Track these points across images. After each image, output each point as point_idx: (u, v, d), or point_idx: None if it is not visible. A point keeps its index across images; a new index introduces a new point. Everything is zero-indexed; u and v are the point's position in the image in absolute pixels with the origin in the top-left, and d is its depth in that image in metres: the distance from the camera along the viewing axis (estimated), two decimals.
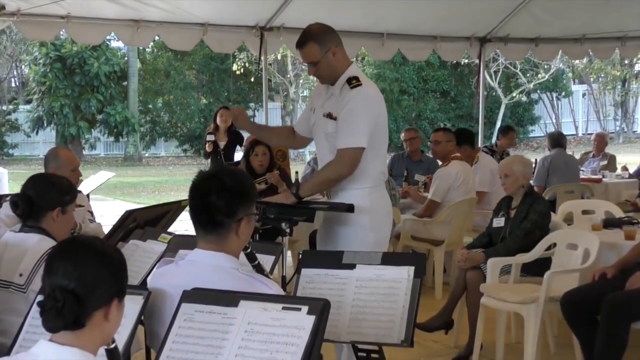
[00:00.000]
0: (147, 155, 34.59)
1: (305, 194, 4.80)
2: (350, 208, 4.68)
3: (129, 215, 4.95)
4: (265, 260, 3.86)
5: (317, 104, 4.99)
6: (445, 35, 11.81)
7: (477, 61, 13.27)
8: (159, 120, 34.96)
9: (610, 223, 6.79)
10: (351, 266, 3.73)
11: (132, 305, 2.99)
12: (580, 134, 35.92)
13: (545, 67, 29.31)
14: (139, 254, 4.39)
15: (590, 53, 13.79)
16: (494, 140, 28.27)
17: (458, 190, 8.32)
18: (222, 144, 10.76)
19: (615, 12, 11.84)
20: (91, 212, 5.99)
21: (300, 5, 10.00)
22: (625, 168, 12.23)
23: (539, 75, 29.86)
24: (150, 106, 34.66)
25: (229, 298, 2.85)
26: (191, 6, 9.74)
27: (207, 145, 10.73)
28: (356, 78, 4.76)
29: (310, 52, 4.76)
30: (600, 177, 11.20)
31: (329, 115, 4.80)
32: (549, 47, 12.74)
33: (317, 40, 4.74)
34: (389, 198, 5.07)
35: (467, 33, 11.99)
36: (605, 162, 12.05)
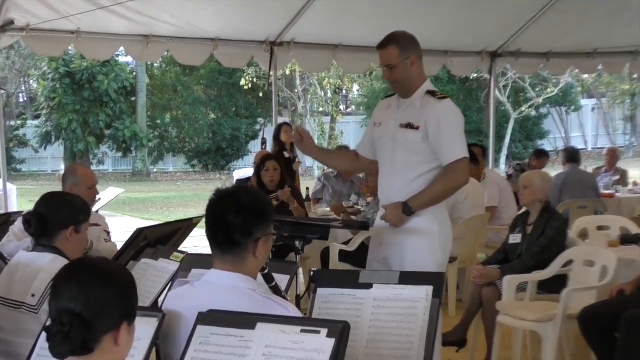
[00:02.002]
0: (155, 170, 34.63)
1: (418, 208, 4.73)
2: (364, 226, 4.65)
3: (140, 233, 4.90)
4: (280, 279, 3.78)
5: (387, 117, 4.98)
6: (456, 50, 11.76)
7: (486, 76, 13.21)
8: (167, 136, 35.02)
9: (627, 239, 6.69)
10: (368, 286, 3.65)
11: (147, 327, 2.92)
12: (589, 149, 35.83)
13: (554, 81, 29.23)
14: (151, 273, 4.32)
15: (600, 68, 13.72)
16: (503, 155, 28.33)
17: (464, 204, 8.26)
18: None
19: (626, 26, 11.78)
20: (107, 232, 5.94)
21: (311, 21, 9.97)
22: (635, 183, 12.17)
23: (548, 90, 29.78)
24: (158, 121, 34.72)
25: (245, 320, 2.78)
26: (201, 21, 9.72)
27: (295, 164, 10.80)
28: (437, 91, 4.85)
29: (390, 55, 4.78)
30: (613, 192, 11.12)
31: (409, 125, 4.80)
32: (561, 62, 12.67)
33: (399, 45, 4.78)
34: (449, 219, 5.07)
35: (478, 48, 11.94)
36: (617, 177, 11.97)
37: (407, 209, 4.69)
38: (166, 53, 10.31)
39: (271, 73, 10.87)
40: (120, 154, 34.08)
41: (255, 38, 10.43)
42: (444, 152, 4.72)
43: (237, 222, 2.98)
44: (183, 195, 24.68)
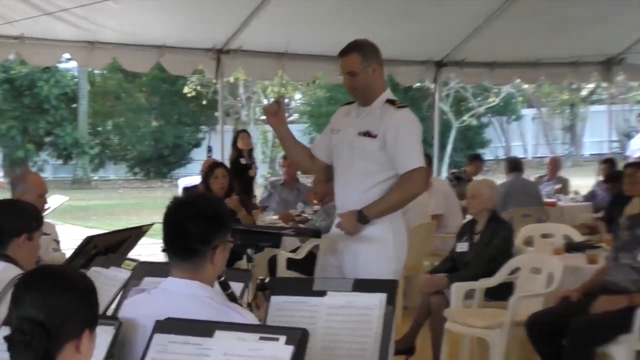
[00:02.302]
0: (95, 178, 34.19)
1: (374, 217, 4.71)
2: (316, 233, 4.65)
3: (89, 241, 4.85)
4: (234, 287, 3.78)
5: (345, 124, 4.94)
6: (402, 60, 11.83)
7: (428, 85, 13.34)
8: (109, 143, 34.64)
9: (572, 247, 6.82)
10: (322, 293, 3.65)
11: (103, 336, 2.89)
12: (529, 157, 36.26)
13: (495, 91, 29.55)
14: (102, 282, 4.26)
15: (543, 78, 13.94)
16: (445, 164, 28.58)
17: (410, 213, 8.28)
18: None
19: (569, 38, 12.06)
20: (57, 241, 5.88)
21: (258, 29, 9.95)
22: (577, 192, 12.36)
23: (490, 99, 30.10)
24: (99, 128, 34.33)
25: (203, 328, 2.78)
26: (148, 28, 9.66)
27: (252, 171, 10.84)
28: (397, 100, 4.83)
29: (352, 62, 4.75)
30: (555, 200, 11.28)
31: (367, 134, 4.77)
32: (504, 72, 12.86)
33: (361, 52, 4.75)
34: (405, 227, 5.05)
35: (424, 57, 12.05)
36: (559, 186, 12.14)
37: (363, 218, 4.69)
38: (112, 60, 10.21)
39: (218, 81, 10.85)
40: (60, 162, 33.60)
41: (201, 46, 10.40)
42: (401, 160, 4.72)
43: (195, 230, 2.97)
44: (125, 203, 24.45)
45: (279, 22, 10.02)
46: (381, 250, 4.75)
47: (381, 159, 4.76)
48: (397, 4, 10.25)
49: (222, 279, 3.39)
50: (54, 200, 10.45)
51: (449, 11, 10.70)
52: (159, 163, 34.24)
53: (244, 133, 11.30)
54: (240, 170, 10.86)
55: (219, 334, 2.74)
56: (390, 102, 4.80)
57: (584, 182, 15.39)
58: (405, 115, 4.77)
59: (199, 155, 34.29)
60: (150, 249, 9.71)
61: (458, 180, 11.75)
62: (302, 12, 9.97)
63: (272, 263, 7.92)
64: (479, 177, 12.20)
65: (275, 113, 4.94)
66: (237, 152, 11.02)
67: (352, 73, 4.75)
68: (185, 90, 26.55)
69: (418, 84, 24.86)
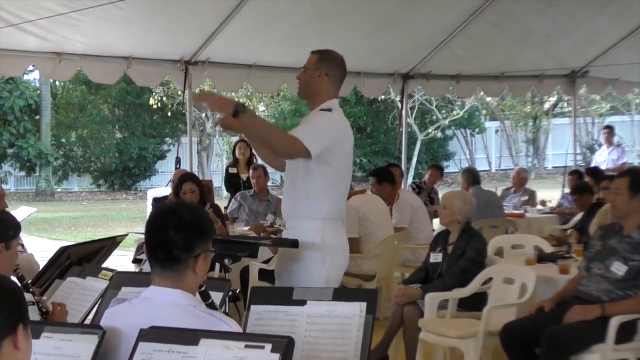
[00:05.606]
0: (59, 190, 33.91)
1: (248, 118, 4.50)
2: (294, 243, 4.63)
3: (63, 251, 4.83)
4: (214, 297, 3.77)
5: None
6: (369, 72, 11.88)
7: (393, 97, 13.39)
8: (73, 155, 34.37)
9: (544, 257, 6.86)
10: (302, 302, 3.65)
11: (87, 345, 2.88)
12: (493, 170, 36.52)
13: (459, 103, 29.73)
14: (78, 292, 4.26)
15: (507, 90, 14.07)
16: (410, 176, 28.72)
17: (370, 221, 8.30)
18: (244, 176, 10.80)
19: (532, 51, 12.22)
20: (21, 244, 5.85)
21: (225, 40, 9.96)
22: (543, 203, 12.45)
23: (454, 112, 30.28)
24: (63, 140, 34.05)
25: (188, 336, 2.77)
26: (115, 40, 9.59)
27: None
28: (331, 109, 4.80)
29: (310, 59, 4.89)
30: (522, 212, 11.35)
31: None
32: (469, 84, 12.96)
33: (321, 56, 4.88)
34: (344, 234, 4.93)
35: (390, 69, 12.10)
36: (526, 198, 12.24)
37: (240, 106, 4.50)
38: (79, 69, 10.14)
39: (185, 92, 10.81)
40: (23, 173, 33.29)
41: (169, 57, 10.37)
42: (297, 130, 4.73)
43: (178, 238, 2.97)
44: (90, 215, 24.29)
45: (246, 35, 10.02)
46: (311, 255, 4.68)
47: (306, 164, 4.70)
48: (365, 18, 10.32)
49: (203, 288, 3.39)
50: (21, 212, 10.36)
51: (416, 25, 10.80)
52: (123, 175, 34.01)
53: (241, 143, 11.31)
54: (231, 179, 11.03)
55: (204, 342, 2.74)
56: (323, 109, 4.82)
57: (547, 194, 15.54)
58: (322, 114, 4.78)
59: (164, 167, 34.13)
60: (119, 260, 9.69)
61: (419, 189, 11.95)
62: (269, 24, 9.99)
63: (244, 274, 7.91)
64: (438, 186, 12.45)
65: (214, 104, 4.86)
66: (233, 161, 11.20)
67: (304, 67, 4.89)
68: (151, 102, 26.43)
69: (382, 97, 24.96)
